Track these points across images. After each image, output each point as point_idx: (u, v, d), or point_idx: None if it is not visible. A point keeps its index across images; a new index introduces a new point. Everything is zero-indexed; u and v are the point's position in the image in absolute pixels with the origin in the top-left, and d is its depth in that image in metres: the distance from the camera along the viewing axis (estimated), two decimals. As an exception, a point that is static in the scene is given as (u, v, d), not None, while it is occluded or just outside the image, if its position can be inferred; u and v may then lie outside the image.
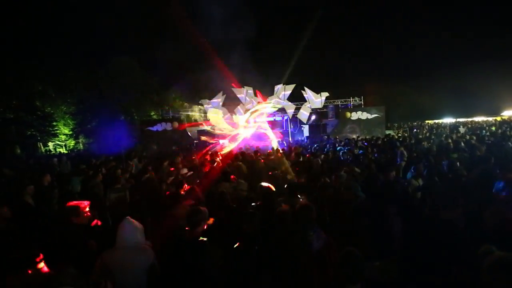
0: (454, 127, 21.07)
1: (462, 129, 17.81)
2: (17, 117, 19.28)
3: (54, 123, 20.82)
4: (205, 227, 2.65)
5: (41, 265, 1.96)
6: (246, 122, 17.56)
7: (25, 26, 22.08)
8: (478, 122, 25.58)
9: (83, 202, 3.17)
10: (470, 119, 31.32)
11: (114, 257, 2.34)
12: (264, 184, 3.81)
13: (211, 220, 2.87)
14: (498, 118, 28.38)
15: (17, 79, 18.73)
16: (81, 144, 22.10)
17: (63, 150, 20.75)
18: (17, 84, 18.85)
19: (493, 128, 15.34)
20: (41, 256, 1.96)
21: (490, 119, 29.06)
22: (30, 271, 1.86)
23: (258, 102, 19.05)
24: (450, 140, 9.29)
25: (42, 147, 20.46)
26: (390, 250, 3.16)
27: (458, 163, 5.25)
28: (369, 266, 3.16)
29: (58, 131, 21.03)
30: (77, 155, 16.57)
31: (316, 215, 2.55)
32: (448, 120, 33.99)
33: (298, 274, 2.35)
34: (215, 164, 6.78)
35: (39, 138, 20.31)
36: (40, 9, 21.86)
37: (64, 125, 21.26)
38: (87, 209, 3.10)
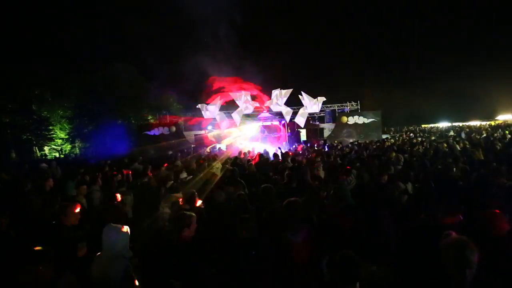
0: (446, 131, 21.21)
1: (452, 133, 17.99)
2: (13, 121, 19.14)
3: (50, 127, 20.69)
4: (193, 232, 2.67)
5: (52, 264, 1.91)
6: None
7: (22, 30, 22.07)
8: (474, 126, 25.83)
9: (74, 203, 3.14)
10: (466, 123, 31.62)
11: (95, 264, 2.34)
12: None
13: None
14: (493, 123, 28.71)
15: (13, 83, 18.64)
16: (77, 149, 21.96)
17: (58, 155, 20.61)
18: (13, 88, 18.76)
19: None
20: (52, 254, 1.92)
21: (485, 123, 29.37)
22: (41, 268, 1.81)
23: (255, 107, 19.15)
24: (446, 145, 9.39)
25: (37, 151, 20.30)
26: (386, 253, 3.18)
27: (454, 168, 5.30)
28: (366, 270, 3.19)
29: (54, 135, 20.89)
30: (73, 159, 16.47)
31: (301, 210, 2.96)
32: (444, 124, 34.33)
33: (285, 262, 2.60)
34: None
35: (34, 142, 20.16)
36: (37, 13, 21.88)
37: (61, 129, 21.14)
38: (77, 210, 3.04)
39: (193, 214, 2.71)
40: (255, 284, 2.45)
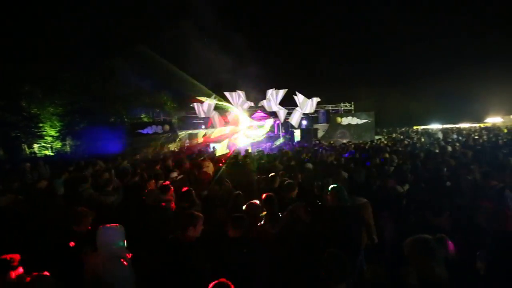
0: (435, 133, 21.46)
1: (440, 135, 18.19)
2: (2, 118, 18.66)
3: (40, 125, 20.22)
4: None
5: (20, 270, 1.89)
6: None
7: (11, 25, 21.56)
8: (464, 129, 26.24)
9: (86, 209, 3.02)
10: (456, 126, 32.14)
11: (89, 266, 2.27)
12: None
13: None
14: (481, 125, 29.26)
15: (2, 79, 18.18)
16: (68, 146, 21.52)
17: (48, 152, 20.17)
18: (2, 84, 18.30)
19: None
20: (18, 259, 1.90)
21: (475, 125, 29.92)
22: (13, 275, 1.78)
23: (250, 107, 19.13)
24: (436, 146, 9.52)
25: (27, 149, 19.83)
26: (382, 254, 3.20)
27: (445, 169, 5.37)
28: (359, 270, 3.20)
29: (44, 133, 20.43)
30: (62, 157, 16.14)
31: (277, 205, 3.23)
32: (435, 126, 34.84)
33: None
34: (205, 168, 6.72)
35: (23, 140, 19.68)
36: (27, 8, 21.40)
37: (51, 126, 20.67)
38: (89, 216, 2.95)
39: (201, 215, 2.68)
40: (248, 283, 2.43)
